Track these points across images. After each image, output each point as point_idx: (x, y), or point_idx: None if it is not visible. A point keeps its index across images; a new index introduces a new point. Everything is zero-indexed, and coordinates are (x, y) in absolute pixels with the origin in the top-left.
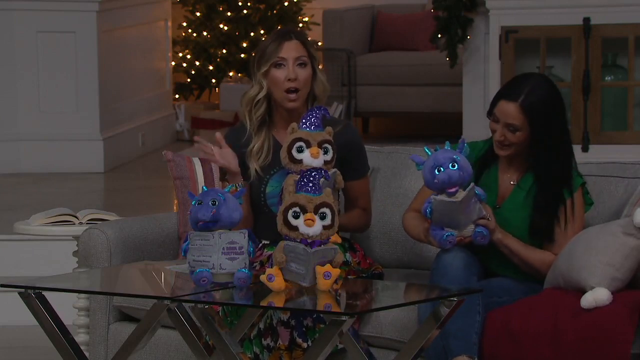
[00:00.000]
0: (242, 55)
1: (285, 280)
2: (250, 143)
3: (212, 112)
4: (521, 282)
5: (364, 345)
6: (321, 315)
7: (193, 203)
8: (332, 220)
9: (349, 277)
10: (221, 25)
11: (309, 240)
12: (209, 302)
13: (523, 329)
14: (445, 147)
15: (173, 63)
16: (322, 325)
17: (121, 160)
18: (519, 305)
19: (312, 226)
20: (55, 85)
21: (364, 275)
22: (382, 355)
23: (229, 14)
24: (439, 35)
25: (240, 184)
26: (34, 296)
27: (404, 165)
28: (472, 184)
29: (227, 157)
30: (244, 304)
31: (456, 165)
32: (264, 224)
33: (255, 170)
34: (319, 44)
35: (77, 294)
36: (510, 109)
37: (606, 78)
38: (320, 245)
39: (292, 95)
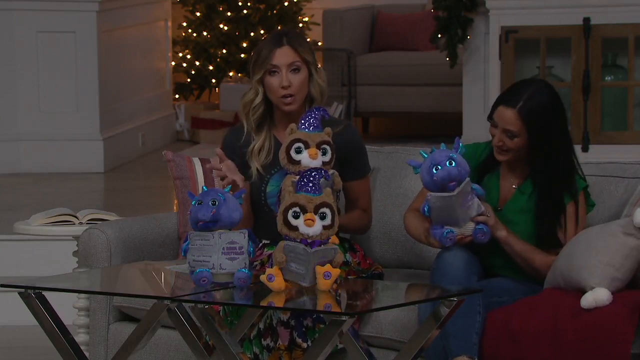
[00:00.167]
0: (242, 55)
1: (285, 280)
2: (249, 143)
3: (212, 112)
4: (521, 282)
5: (364, 345)
6: (321, 315)
7: (193, 203)
8: (332, 220)
9: (349, 277)
10: (221, 25)
11: (309, 240)
12: (209, 302)
13: (523, 329)
14: (441, 148)
15: (173, 63)
16: (322, 326)
17: (121, 160)
18: (519, 305)
19: (312, 226)
20: (55, 85)
21: (364, 275)
22: (382, 355)
23: (229, 14)
24: (439, 35)
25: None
26: (34, 296)
27: (404, 165)
28: (467, 179)
29: (232, 170)
30: (244, 304)
31: (453, 163)
32: (264, 224)
33: (257, 170)
34: (319, 44)
35: (77, 294)
36: (508, 115)
37: (606, 78)
38: (320, 245)
39: (288, 99)
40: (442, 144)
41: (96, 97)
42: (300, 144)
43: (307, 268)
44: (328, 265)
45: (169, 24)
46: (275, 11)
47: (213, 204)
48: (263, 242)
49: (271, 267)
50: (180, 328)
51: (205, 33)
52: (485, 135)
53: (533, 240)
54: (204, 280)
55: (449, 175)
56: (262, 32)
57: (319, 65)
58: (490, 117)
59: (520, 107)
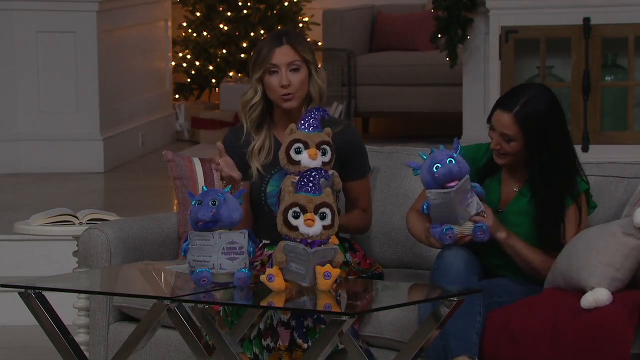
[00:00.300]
0: (242, 55)
1: (285, 280)
2: (249, 143)
3: (212, 112)
4: (521, 283)
5: (364, 345)
6: (321, 315)
7: (193, 203)
8: (332, 220)
9: (349, 277)
10: (221, 25)
11: (309, 240)
12: (209, 302)
13: (523, 329)
14: (441, 149)
15: (173, 63)
16: (322, 326)
17: (121, 160)
18: (519, 305)
19: (312, 226)
20: (55, 85)
21: (364, 275)
22: (382, 355)
23: (229, 14)
24: (439, 35)
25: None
26: (34, 296)
27: (404, 166)
28: (467, 176)
29: (230, 165)
30: (244, 304)
31: (454, 161)
32: (264, 224)
33: (257, 169)
34: (319, 44)
35: (77, 294)
36: (504, 119)
37: (606, 78)
38: (320, 245)
39: (287, 96)
40: (442, 146)
41: (96, 97)
42: (300, 144)
43: (307, 268)
44: (328, 265)
45: (169, 24)
46: (275, 11)
47: (213, 204)
48: (263, 242)
49: (271, 267)
50: (180, 328)
51: (205, 33)
52: (485, 135)
53: (534, 241)
54: (204, 280)
55: (450, 172)
56: (262, 32)
57: (319, 66)
58: (489, 120)
59: (517, 111)
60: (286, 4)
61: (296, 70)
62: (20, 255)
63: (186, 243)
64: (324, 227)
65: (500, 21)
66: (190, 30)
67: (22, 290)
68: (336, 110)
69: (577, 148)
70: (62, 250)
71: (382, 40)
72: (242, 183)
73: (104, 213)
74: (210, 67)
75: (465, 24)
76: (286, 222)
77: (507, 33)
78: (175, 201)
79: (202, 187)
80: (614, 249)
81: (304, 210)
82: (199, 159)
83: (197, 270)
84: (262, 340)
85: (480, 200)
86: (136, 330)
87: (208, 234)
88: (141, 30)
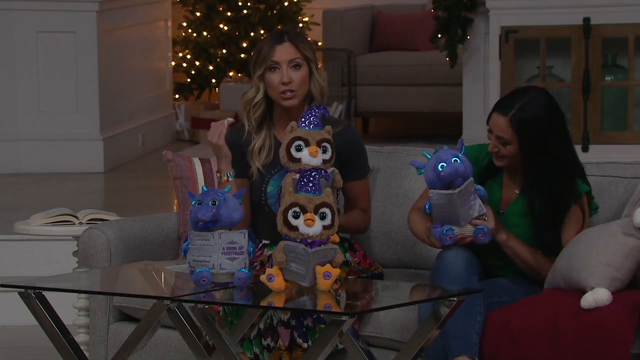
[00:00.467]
0: (242, 55)
1: (285, 280)
2: (250, 142)
3: (212, 112)
4: (521, 283)
5: (364, 345)
6: (321, 315)
7: (193, 203)
8: (332, 220)
9: (349, 277)
10: (221, 25)
11: (309, 240)
12: (209, 302)
13: (523, 329)
14: (445, 149)
15: (173, 63)
16: (322, 326)
17: (121, 160)
18: (519, 305)
19: (312, 226)
20: (55, 85)
21: (364, 275)
22: (382, 355)
23: (229, 14)
24: (439, 35)
25: (232, 173)
26: (34, 296)
27: (404, 165)
28: (470, 178)
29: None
30: (244, 304)
31: (459, 161)
32: (264, 224)
33: (258, 169)
34: (319, 44)
35: (77, 294)
36: (500, 122)
37: (606, 78)
38: (320, 245)
39: (288, 94)
40: (446, 146)
41: (96, 97)
42: (301, 142)
43: (307, 268)
44: (328, 265)
45: (169, 24)
46: (275, 11)
47: (213, 204)
48: (263, 242)
49: (271, 267)
50: (180, 328)
51: (205, 33)
52: (485, 135)
53: (534, 243)
54: (204, 280)
55: (456, 171)
56: (262, 32)
57: (319, 65)
58: (487, 123)
59: (512, 115)
60: (286, 4)
61: (297, 67)
62: (20, 255)
63: (186, 243)
64: (324, 227)
65: (500, 21)
66: (190, 30)
67: (22, 290)
68: (336, 110)
69: (577, 148)
70: (62, 250)
71: (382, 40)
72: (232, 172)
73: (104, 213)
74: (210, 67)
75: (465, 24)
76: (286, 222)
77: (507, 33)
78: (175, 201)
79: (202, 187)
80: (614, 249)
81: (304, 210)
82: (199, 159)
83: (197, 270)
84: (262, 340)
85: (483, 202)
86: (136, 330)
87: (208, 234)
88: (141, 30)
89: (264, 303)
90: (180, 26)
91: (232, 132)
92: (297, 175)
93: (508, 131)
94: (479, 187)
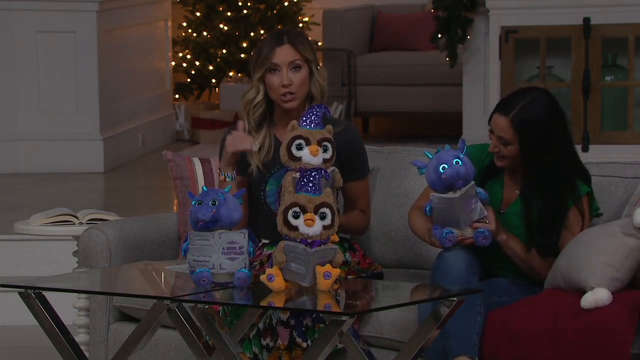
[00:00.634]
0: (242, 55)
1: (285, 280)
2: None
3: (212, 112)
4: (521, 283)
5: (364, 345)
6: (321, 315)
7: (193, 203)
8: (332, 220)
9: (348, 277)
10: (221, 25)
11: (309, 240)
12: (209, 302)
13: (523, 329)
14: (446, 149)
15: (173, 63)
16: (321, 325)
17: (121, 160)
18: (519, 305)
19: (312, 226)
20: (55, 85)
21: (363, 275)
22: (382, 355)
23: (229, 14)
24: (439, 35)
25: (230, 174)
26: (34, 296)
27: (404, 165)
28: (472, 182)
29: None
30: (244, 304)
31: (460, 162)
32: (263, 223)
33: (257, 167)
34: (319, 44)
35: (77, 294)
36: (501, 123)
37: (606, 78)
38: (320, 245)
39: (288, 97)
40: (447, 145)
41: (96, 97)
42: (302, 141)
43: (307, 268)
44: (328, 265)
45: (169, 24)
46: (275, 11)
47: (213, 204)
48: (263, 242)
49: (271, 267)
50: (180, 328)
51: (205, 33)
52: (485, 135)
53: (535, 243)
54: (204, 280)
55: (457, 173)
56: (262, 32)
57: (320, 65)
58: (489, 123)
59: (514, 115)
60: (286, 4)
61: (297, 69)
62: (20, 255)
63: (186, 243)
64: (324, 227)
65: (500, 21)
66: (190, 30)
67: (22, 290)
68: (336, 110)
69: (577, 148)
70: (62, 250)
71: (382, 40)
72: (233, 174)
73: (104, 213)
74: (210, 67)
75: (465, 24)
76: (286, 222)
77: (507, 33)
78: (175, 201)
79: (202, 187)
80: (614, 249)
81: (304, 210)
82: (199, 159)
83: (197, 270)
84: (262, 339)
85: (484, 205)
86: (136, 330)
87: (208, 234)
88: (141, 30)
89: (264, 303)
90: (180, 26)
91: (231, 131)
92: (297, 174)
93: (509, 131)
94: (480, 190)
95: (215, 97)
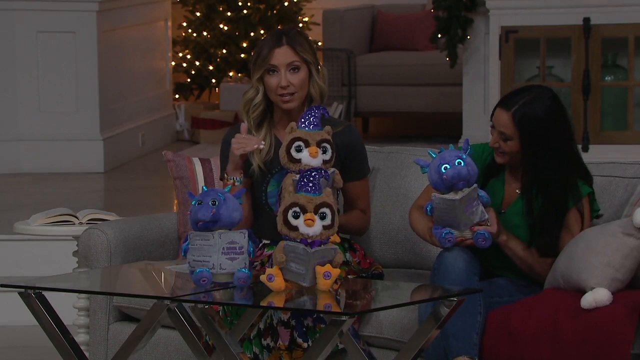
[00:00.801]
0: (242, 55)
1: (285, 280)
2: None
3: (212, 112)
4: (521, 283)
5: (364, 345)
6: (321, 315)
7: (193, 203)
8: (332, 220)
9: (349, 276)
10: (221, 25)
11: (309, 240)
12: (209, 302)
13: (523, 329)
14: (450, 149)
15: (173, 63)
16: (322, 326)
17: (121, 160)
18: (519, 305)
19: (312, 226)
20: (55, 85)
21: (364, 275)
22: (382, 355)
23: (229, 14)
24: (439, 35)
25: (239, 178)
26: (34, 296)
27: (404, 165)
28: (474, 185)
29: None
30: (244, 304)
31: (462, 163)
32: (264, 223)
33: (259, 167)
34: (319, 44)
35: (77, 294)
36: (502, 118)
37: (606, 78)
38: (320, 245)
39: (286, 97)
40: (451, 145)
41: (96, 97)
42: (301, 143)
43: (307, 268)
44: (328, 265)
45: (169, 24)
46: (275, 11)
47: (213, 204)
48: (263, 242)
49: (271, 267)
50: (180, 328)
51: (205, 33)
52: (484, 135)
53: (535, 243)
54: (204, 280)
55: (459, 174)
56: (262, 32)
57: (321, 65)
58: (491, 119)
59: (515, 110)
60: (286, 4)
61: (296, 70)
62: (20, 255)
63: (186, 243)
64: (324, 227)
65: (500, 21)
66: (190, 30)
67: (22, 290)
68: (336, 110)
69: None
70: (62, 250)
71: (382, 40)
72: (241, 178)
73: (104, 213)
74: (210, 67)
75: (465, 24)
76: (286, 222)
77: (507, 33)
78: (175, 201)
79: (202, 187)
80: (613, 249)
81: (304, 210)
82: (199, 159)
83: (197, 270)
84: (262, 339)
85: (485, 208)
86: (136, 330)
87: (208, 234)
88: (141, 30)
89: (264, 303)
90: (180, 26)
91: (231, 131)
92: (297, 176)
93: (510, 127)
94: (482, 193)
95: (215, 97)
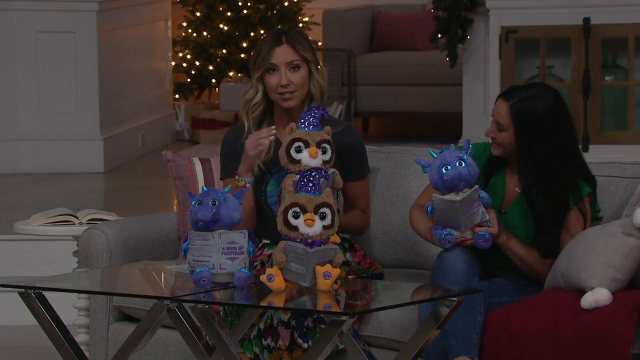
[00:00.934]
0: (242, 55)
1: (285, 280)
2: None
3: (212, 112)
4: (521, 283)
5: (364, 345)
6: (321, 315)
7: (193, 203)
8: (332, 220)
9: (349, 277)
10: (221, 25)
11: (309, 240)
12: (209, 302)
13: (523, 329)
14: (451, 149)
15: (173, 63)
16: (322, 326)
17: (121, 160)
18: (519, 305)
19: (312, 226)
20: (55, 85)
21: (364, 275)
22: (382, 355)
23: (229, 14)
24: (439, 35)
25: (250, 180)
26: (34, 296)
27: (404, 165)
28: (475, 186)
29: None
30: (244, 304)
31: (463, 164)
32: (264, 223)
33: (258, 166)
34: (319, 44)
35: (77, 294)
36: (501, 108)
37: (606, 78)
38: (320, 245)
39: (286, 95)
40: (452, 145)
41: (96, 97)
42: (300, 143)
43: (307, 268)
44: (328, 265)
45: (169, 24)
46: (275, 11)
47: (213, 204)
48: (263, 242)
49: (271, 267)
50: (180, 328)
51: (205, 33)
52: (485, 135)
53: (532, 239)
54: (204, 280)
55: (460, 175)
56: (262, 32)
57: (321, 64)
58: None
59: (514, 103)
60: (286, 4)
61: (296, 68)
62: (20, 255)
63: (186, 243)
64: (324, 227)
65: (500, 21)
66: (190, 30)
67: (22, 290)
68: (336, 110)
69: None
70: (62, 250)
71: (382, 40)
72: (251, 179)
73: (104, 213)
74: (210, 67)
75: (465, 24)
76: (286, 222)
77: (507, 33)
78: (175, 201)
79: (202, 187)
80: (613, 249)
81: (304, 210)
82: (199, 159)
83: (197, 270)
84: (263, 339)
85: (486, 208)
86: (136, 330)
87: (208, 234)
88: (141, 30)
89: (264, 303)
90: (180, 26)
91: (231, 131)
92: (297, 177)
93: (506, 118)
94: (483, 194)
95: (215, 97)
